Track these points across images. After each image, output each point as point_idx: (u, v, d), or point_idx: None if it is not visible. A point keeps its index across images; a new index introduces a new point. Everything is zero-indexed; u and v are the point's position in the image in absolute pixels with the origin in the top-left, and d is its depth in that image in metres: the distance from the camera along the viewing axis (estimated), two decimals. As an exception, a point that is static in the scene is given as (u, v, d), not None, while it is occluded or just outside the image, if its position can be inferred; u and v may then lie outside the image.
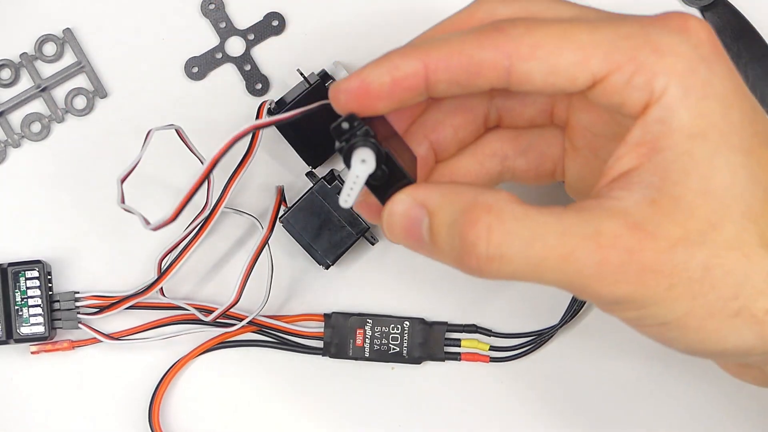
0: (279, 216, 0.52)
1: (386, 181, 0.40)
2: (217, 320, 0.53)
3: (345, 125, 0.39)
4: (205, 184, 0.52)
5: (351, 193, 0.39)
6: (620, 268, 0.36)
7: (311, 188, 0.53)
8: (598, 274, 0.36)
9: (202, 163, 0.52)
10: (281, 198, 0.52)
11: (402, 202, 0.39)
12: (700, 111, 0.36)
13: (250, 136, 0.51)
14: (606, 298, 0.37)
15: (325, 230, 0.53)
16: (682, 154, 0.36)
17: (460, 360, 0.54)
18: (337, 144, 0.40)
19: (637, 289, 0.36)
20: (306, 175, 0.54)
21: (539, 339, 0.54)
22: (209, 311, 0.54)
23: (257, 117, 0.51)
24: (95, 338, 0.53)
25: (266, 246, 0.51)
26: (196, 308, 0.53)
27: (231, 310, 0.53)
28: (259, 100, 0.55)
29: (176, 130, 0.51)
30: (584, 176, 0.44)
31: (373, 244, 0.54)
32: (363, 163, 0.39)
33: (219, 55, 0.55)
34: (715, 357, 0.40)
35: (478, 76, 0.38)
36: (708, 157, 0.36)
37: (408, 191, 0.39)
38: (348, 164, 0.39)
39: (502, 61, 0.37)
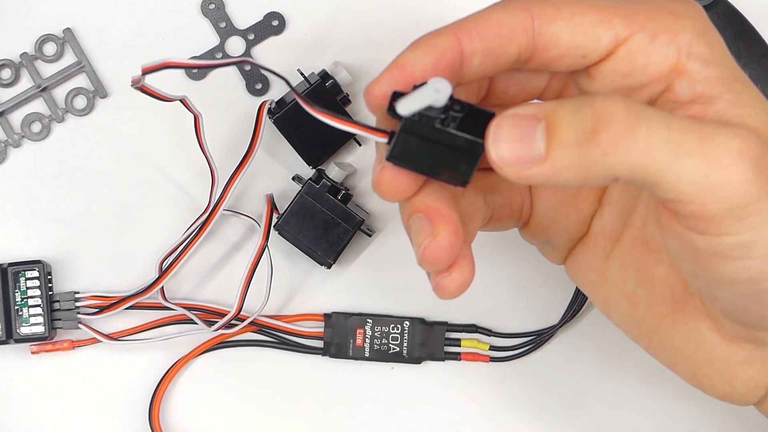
0: (273, 224, 0.52)
1: (464, 122, 0.36)
2: (217, 320, 0.53)
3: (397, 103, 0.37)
4: (209, 184, 0.52)
5: (412, 103, 0.36)
6: None
7: (300, 191, 0.53)
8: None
9: (208, 160, 0.52)
10: (272, 206, 0.52)
11: (511, 113, 0.36)
12: (725, 65, 0.38)
13: (251, 135, 0.51)
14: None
15: (320, 230, 0.53)
16: (731, 97, 0.37)
17: (460, 360, 0.54)
18: (405, 117, 0.36)
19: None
20: (292, 179, 0.54)
21: (539, 339, 0.54)
22: (210, 311, 0.54)
23: (257, 117, 0.51)
24: (95, 338, 0.53)
25: (265, 251, 0.51)
26: (197, 309, 0.53)
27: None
28: (259, 100, 0.55)
29: (195, 116, 0.50)
30: (555, 207, 0.44)
31: (369, 235, 0.54)
32: (437, 92, 0.36)
33: (219, 55, 0.55)
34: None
35: (510, 41, 0.38)
36: (750, 98, 0.38)
37: (514, 108, 0.36)
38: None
39: (530, 23, 0.38)
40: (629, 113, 0.34)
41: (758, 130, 0.37)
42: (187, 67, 0.40)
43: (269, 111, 0.52)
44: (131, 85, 0.43)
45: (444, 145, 0.36)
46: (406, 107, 0.36)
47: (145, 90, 0.45)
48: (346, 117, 0.38)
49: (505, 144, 0.36)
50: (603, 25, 0.37)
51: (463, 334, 0.54)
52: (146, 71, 0.41)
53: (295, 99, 0.52)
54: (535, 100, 0.43)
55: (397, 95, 0.37)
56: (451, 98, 0.36)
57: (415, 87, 0.36)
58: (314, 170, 0.54)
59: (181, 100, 0.49)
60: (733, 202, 0.35)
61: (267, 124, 0.52)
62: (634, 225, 0.42)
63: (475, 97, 0.42)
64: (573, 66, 0.38)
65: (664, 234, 0.38)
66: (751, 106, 0.37)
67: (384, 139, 0.38)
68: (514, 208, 0.44)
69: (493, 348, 0.54)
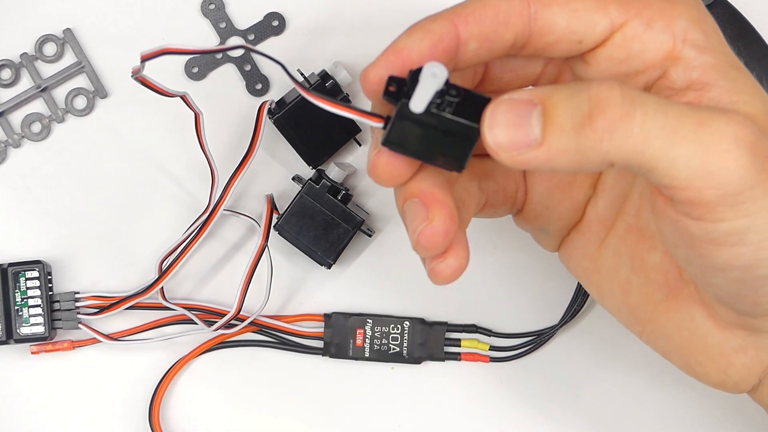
0: (273, 224, 0.52)
1: (460, 107, 0.36)
2: (217, 320, 0.53)
3: (393, 87, 0.37)
4: (209, 184, 0.52)
5: (422, 97, 0.36)
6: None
7: (300, 192, 0.53)
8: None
9: (208, 160, 0.52)
10: (272, 206, 0.52)
11: (507, 97, 0.36)
12: (720, 52, 0.38)
13: (252, 136, 0.51)
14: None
15: (320, 231, 0.53)
16: (726, 84, 0.37)
17: (460, 360, 0.54)
18: (401, 101, 0.36)
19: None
20: (292, 179, 0.54)
21: (539, 339, 0.54)
22: (210, 311, 0.54)
23: (257, 118, 0.51)
24: (95, 338, 0.53)
25: (265, 251, 0.51)
26: (197, 309, 0.53)
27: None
28: (259, 100, 0.55)
29: (195, 114, 0.50)
30: (550, 191, 0.44)
31: (369, 236, 0.54)
32: (434, 77, 0.36)
33: (219, 56, 0.55)
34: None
35: (506, 26, 0.38)
36: (745, 85, 0.38)
37: (510, 93, 0.36)
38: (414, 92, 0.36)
39: (526, 8, 0.38)
40: (625, 99, 0.35)
41: (753, 116, 0.37)
42: (185, 53, 0.40)
43: (269, 111, 0.52)
44: (131, 76, 0.43)
45: (440, 130, 0.36)
46: (419, 104, 0.36)
47: (145, 83, 0.45)
48: (341, 101, 0.38)
49: (501, 129, 0.36)
50: (599, 11, 0.38)
51: (463, 334, 0.54)
52: (145, 58, 0.41)
53: (294, 100, 0.52)
54: (530, 87, 0.43)
55: (393, 80, 0.37)
56: (447, 83, 0.36)
57: (411, 71, 0.36)
58: (314, 170, 0.54)
59: (181, 96, 0.49)
60: (729, 188, 0.35)
61: (267, 125, 0.53)
62: (628, 212, 0.42)
63: (470, 83, 0.42)
64: (569, 52, 0.39)
65: (659, 220, 0.38)
66: (746, 93, 0.38)
67: (379, 124, 0.38)
68: (508, 194, 0.44)
69: (493, 348, 0.54)
